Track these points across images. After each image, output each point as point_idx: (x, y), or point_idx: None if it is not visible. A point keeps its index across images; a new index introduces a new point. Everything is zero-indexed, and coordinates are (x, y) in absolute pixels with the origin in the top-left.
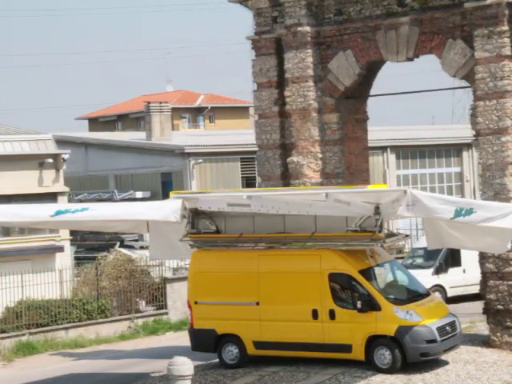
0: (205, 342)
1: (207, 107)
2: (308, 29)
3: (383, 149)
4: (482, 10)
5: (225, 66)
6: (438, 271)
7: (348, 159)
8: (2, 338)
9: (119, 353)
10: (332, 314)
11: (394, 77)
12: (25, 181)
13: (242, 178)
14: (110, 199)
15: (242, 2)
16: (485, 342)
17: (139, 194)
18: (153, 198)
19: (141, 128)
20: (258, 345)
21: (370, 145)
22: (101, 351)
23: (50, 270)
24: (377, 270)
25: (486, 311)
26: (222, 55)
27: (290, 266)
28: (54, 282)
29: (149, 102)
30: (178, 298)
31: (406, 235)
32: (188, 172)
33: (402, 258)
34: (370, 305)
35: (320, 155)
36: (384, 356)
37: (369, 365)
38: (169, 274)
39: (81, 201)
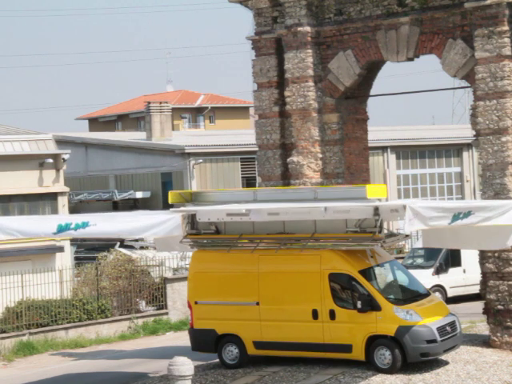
0: (205, 342)
1: (207, 107)
2: (308, 29)
3: (383, 149)
4: (482, 10)
5: (225, 66)
6: (438, 271)
7: (348, 159)
8: (2, 338)
9: (119, 353)
10: (332, 314)
11: (394, 77)
12: (25, 181)
13: (242, 178)
14: (110, 199)
15: (242, 1)
16: (485, 342)
17: (139, 194)
18: (153, 197)
19: (141, 128)
20: (258, 345)
21: (370, 145)
22: (101, 351)
23: (50, 270)
24: (377, 270)
25: (486, 311)
26: (222, 55)
27: (290, 266)
28: (54, 282)
29: (149, 102)
30: (178, 298)
31: (406, 235)
32: (188, 172)
33: (402, 258)
34: (370, 305)
35: (320, 155)
36: (384, 356)
37: (369, 365)
38: (169, 274)
39: (81, 201)
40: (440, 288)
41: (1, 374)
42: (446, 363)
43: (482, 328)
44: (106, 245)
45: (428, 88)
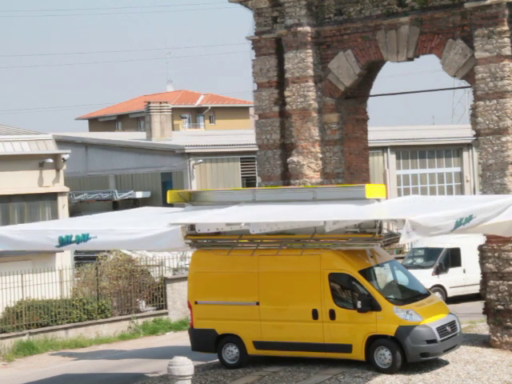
0: (205, 342)
1: (207, 107)
2: (308, 29)
3: (383, 149)
4: (482, 10)
5: (225, 66)
6: (438, 271)
7: (348, 159)
8: (2, 338)
9: (119, 353)
10: (332, 314)
11: (394, 77)
12: (25, 181)
13: (242, 177)
14: (110, 199)
15: (242, 1)
16: (485, 342)
17: (139, 194)
18: (153, 197)
19: (141, 128)
20: (258, 345)
21: (370, 145)
22: (101, 351)
23: (50, 270)
24: (377, 270)
25: (486, 311)
26: (222, 55)
27: (290, 266)
28: (54, 282)
29: (149, 102)
30: (177, 298)
31: None
32: (188, 172)
33: (402, 257)
34: (370, 305)
35: (320, 155)
36: (384, 356)
37: (369, 365)
38: (169, 274)
39: (81, 201)
40: (440, 288)
41: (1, 373)
42: (445, 363)
43: (482, 328)
44: None
45: (428, 88)
